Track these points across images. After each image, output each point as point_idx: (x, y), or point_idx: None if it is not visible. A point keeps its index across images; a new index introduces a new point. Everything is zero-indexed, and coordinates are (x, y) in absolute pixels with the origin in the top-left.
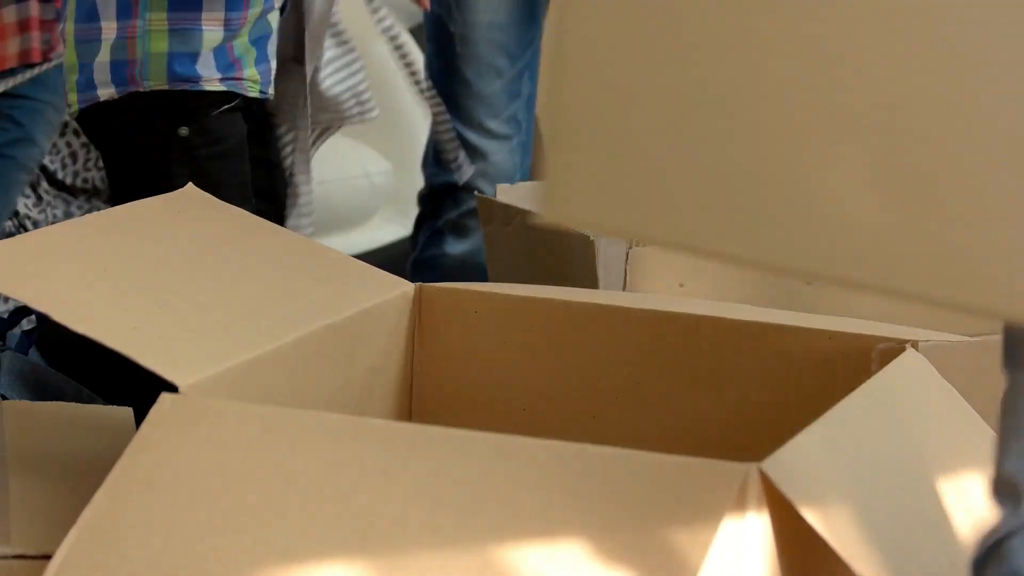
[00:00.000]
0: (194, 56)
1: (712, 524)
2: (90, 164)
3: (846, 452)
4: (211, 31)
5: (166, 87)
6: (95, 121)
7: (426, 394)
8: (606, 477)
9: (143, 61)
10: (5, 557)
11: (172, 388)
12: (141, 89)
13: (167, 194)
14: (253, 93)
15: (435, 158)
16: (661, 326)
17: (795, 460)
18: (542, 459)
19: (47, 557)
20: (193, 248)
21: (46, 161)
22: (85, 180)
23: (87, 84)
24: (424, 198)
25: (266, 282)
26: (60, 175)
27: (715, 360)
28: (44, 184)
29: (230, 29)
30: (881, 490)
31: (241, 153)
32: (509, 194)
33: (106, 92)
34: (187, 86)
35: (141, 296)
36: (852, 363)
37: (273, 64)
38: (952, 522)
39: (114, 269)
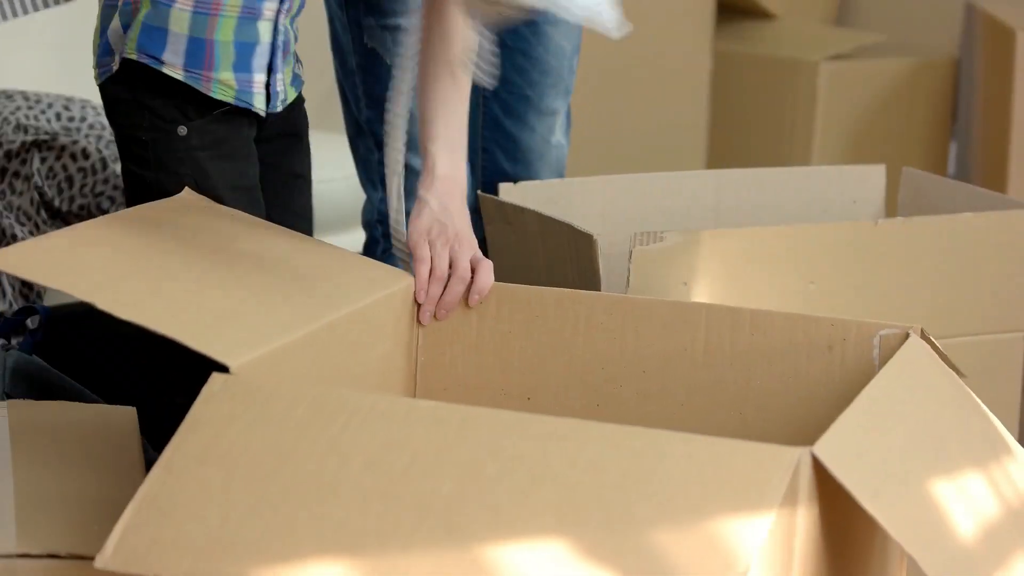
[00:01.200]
0: (161, 32)
1: (768, 506)
2: (86, 190)
3: (883, 438)
4: (180, 9)
5: (134, 57)
6: (110, 104)
7: (430, 384)
8: (661, 459)
9: (132, 28)
10: (9, 556)
11: (188, 377)
12: (122, 56)
13: (170, 198)
14: (221, 96)
15: (381, 182)
16: (665, 314)
17: (843, 444)
18: (596, 441)
19: (52, 556)
20: (209, 245)
21: (43, 186)
22: (81, 207)
23: (103, 51)
24: (374, 224)
25: (284, 275)
26: (56, 202)
27: (720, 347)
28: (42, 213)
29: (200, 12)
30: (917, 473)
31: (244, 156)
32: (511, 194)
33: (114, 61)
34: (149, 62)
35: (173, 287)
36: (855, 349)
37: (262, 78)
38: (975, 500)
39: (143, 263)
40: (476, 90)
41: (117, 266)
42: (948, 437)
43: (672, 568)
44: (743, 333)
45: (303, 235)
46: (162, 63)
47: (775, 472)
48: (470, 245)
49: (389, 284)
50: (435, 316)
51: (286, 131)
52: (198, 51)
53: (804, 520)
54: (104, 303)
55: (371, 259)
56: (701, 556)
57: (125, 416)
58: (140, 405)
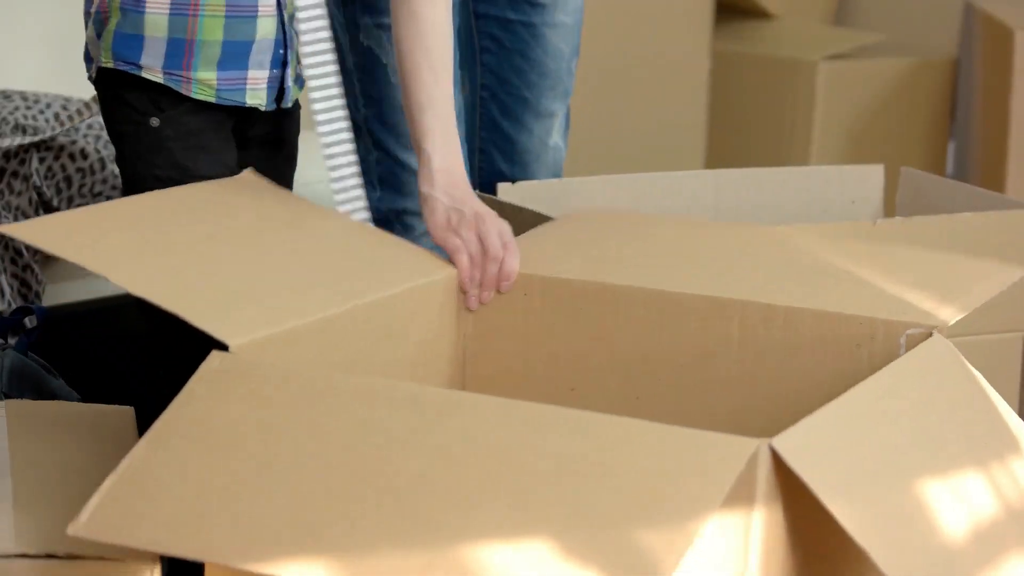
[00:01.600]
0: (138, 39)
1: (715, 497)
2: (85, 190)
3: (860, 433)
4: (155, 13)
5: (112, 65)
6: (100, 103)
7: (478, 373)
8: (621, 447)
9: (104, 37)
10: (7, 556)
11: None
12: (99, 64)
13: (225, 179)
14: (201, 96)
15: (379, 181)
16: (704, 310)
17: (807, 438)
18: (565, 428)
19: (50, 556)
20: (248, 226)
21: (42, 186)
22: (80, 207)
23: (86, 55)
24: (372, 223)
25: (319, 258)
26: (55, 202)
27: (755, 342)
28: (41, 213)
29: (177, 14)
30: (894, 471)
31: (220, 147)
32: (509, 194)
33: (91, 69)
34: (128, 68)
35: (195, 265)
36: (882, 347)
37: (263, 74)
38: (967, 501)
39: (169, 241)
40: (474, 91)
41: (139, 243)
42: (950, 435)
43: (606, 554)
44: (776, 329)
45: (352, 220)
46: (141, 68)
47: (727, 464)
48: (493, 221)
49: (430, 272)
50: (480, 300)
51: (272, 137)
52: (177, 52)
53: (763, 514)
54: (116, 277)
55: (419, 247)
56: (639, 544)
57: (123, 416)
58: (137, 405)
